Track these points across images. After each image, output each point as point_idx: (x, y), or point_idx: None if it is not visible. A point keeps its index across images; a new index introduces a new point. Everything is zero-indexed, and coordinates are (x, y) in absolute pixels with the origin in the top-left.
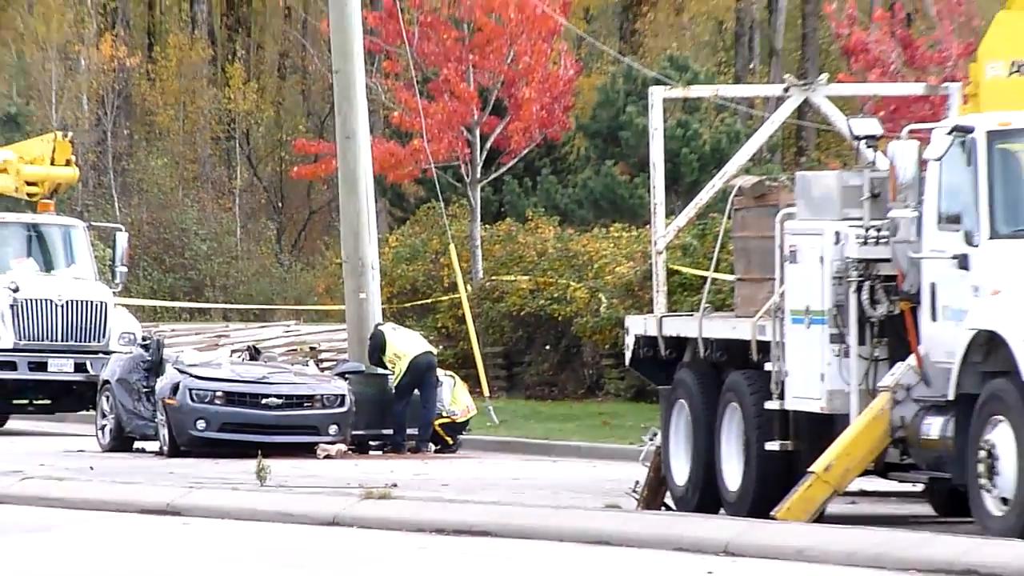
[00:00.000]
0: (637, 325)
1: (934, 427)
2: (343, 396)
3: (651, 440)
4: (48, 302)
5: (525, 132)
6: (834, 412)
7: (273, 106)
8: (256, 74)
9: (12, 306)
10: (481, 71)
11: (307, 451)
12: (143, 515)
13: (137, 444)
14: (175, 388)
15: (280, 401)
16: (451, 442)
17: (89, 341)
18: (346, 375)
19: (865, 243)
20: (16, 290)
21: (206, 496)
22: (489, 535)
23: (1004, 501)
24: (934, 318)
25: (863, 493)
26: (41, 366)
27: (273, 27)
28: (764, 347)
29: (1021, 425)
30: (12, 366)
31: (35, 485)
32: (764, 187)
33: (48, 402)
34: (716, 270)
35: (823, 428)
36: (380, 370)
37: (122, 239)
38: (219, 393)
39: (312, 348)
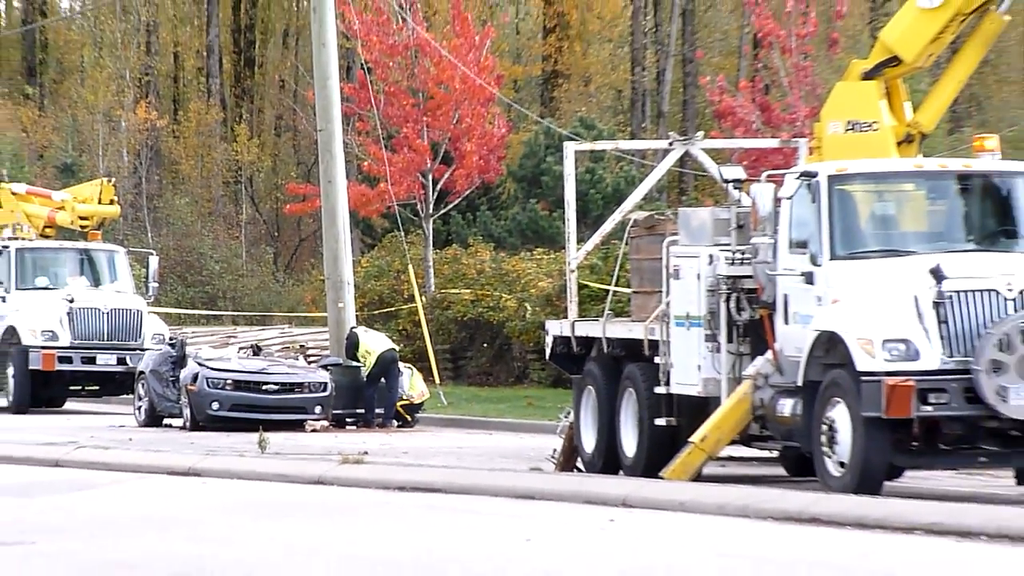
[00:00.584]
0: (555, 328)
1: (786, 407)
2: (326, 383)
3: (566, 417)
4: (96, 310)
5: (467, 177)
6: (708, 395)
7: (271, 157)
8: (257, 132)
9: (69, 313)
10: (433, 129)
11: (298, 426)
12: (170, 476)
13: (166, 421)
14: (195, 377)
15: (277, 387)
16: (410, 419)
17: (128, 340)
18: (328, 367)
19: (732, 263)
20: (72, 301)
21: (219, 461)
22: (440, 491)
23: (841, 464)
24: (786, 322)
25: (731, 458)
26: (91, 360)
27: (271, 96)
28: (654, 345)
29: (854, 405)
30: (69, 360)
31: (86, 453)
32: (654, 220)
33: (96, 388)
34: (616, 284)
35: (700, 408)
36: (354, 363)
37: (154, 261)
38: (229, 381)
39: (301, 346)
